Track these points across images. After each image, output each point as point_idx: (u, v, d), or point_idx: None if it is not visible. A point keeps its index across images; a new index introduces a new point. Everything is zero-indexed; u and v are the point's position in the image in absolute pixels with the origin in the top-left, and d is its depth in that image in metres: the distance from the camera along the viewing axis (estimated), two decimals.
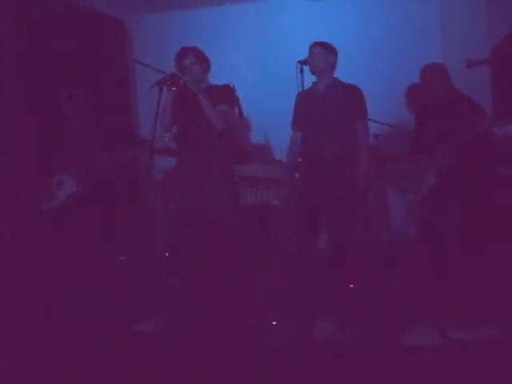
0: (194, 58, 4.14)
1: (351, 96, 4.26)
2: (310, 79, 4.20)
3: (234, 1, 6.19)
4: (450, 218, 4.23)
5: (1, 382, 3.06)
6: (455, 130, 4.19)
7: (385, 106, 5.36)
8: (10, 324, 3.65)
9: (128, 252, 4.90)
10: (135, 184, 5.48)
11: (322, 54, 4.24)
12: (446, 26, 5.82)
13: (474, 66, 4.90)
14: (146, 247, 4.64)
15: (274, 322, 3.72)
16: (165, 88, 3.92)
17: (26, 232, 4.41)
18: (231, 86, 4.24)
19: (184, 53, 4.14)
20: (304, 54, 4.14)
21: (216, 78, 4.29)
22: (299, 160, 4.40)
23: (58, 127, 4.75)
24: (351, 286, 4.12)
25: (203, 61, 4.21)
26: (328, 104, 4.19)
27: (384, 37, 5.84)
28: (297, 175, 4.47)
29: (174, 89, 3.98)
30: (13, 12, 4.76)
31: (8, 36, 4.72)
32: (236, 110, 4.32)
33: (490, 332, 3.36)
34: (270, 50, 5.86)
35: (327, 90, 4.27)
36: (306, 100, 4.22)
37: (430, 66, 4.49)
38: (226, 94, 4.21)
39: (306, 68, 4.07)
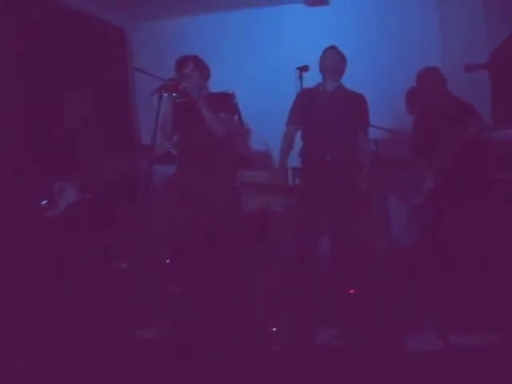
0: (194, 66, 4.15)
1: (356, 105, 4.26)
2: (308, 85, 4.21)
3: (233, 8, 6.21)
4: (450, 221, 4.24)
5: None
6: (450, 133, 4.21)
7: (384, 111, 5.36)
8: (11, 330, 3.67)
9: (129, 258, 4.90)
10: (136, 190, 5.49)
11: (342, 58, 4.30)
12: (445, 31, 5.85)
13: (473, 70, 4.89)
14: (146, 254, 4.65)
15: (274, 329, 3.73)
16: (165, 95, 3.94)
17: (29, 238, 4.43)
18: (231, 93, 4.25)
19: (184, 61, 4.16)
20: (303, 60, 4.14)
21: (216, 85, 4.31)
22: (299, 164, 4.41)
23: (59, 134, 4.75)
24: (352, 291, 4.13)
25: (203, 69, 4.22)
26: (332, 108, 4.18)
27: (383, 42, 5.87)
28: (297, 181, 4.48)
29: (174, 95, 3.99)
30: (13, 20, 4.80)
31: (9, 45, 4.76)
32: (236, 118, 4.34)
33: (491, 337, 3.37)
34: (270, 57, 5.88)
35: (333, 94, 4.27)
36: (307, 99, 4.22)
37: (426, 70, 4.52)
38: (225, 102, 4.22)
39: (305, 74, 4.08)
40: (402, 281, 4.40)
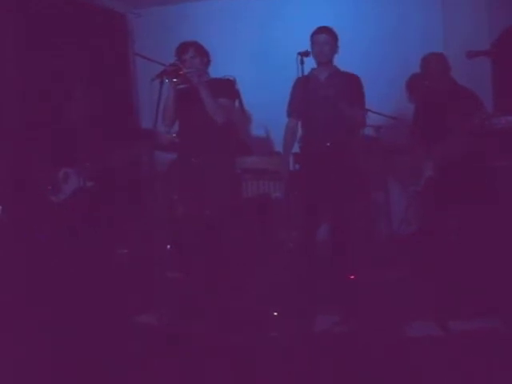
0: (195, 52, 4.15)
1: (350, 84, 4.25)
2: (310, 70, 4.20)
3: None
4: (450, 209, 4.25)
5: (3, 371, 3.10)
6: (454, 121, 4.20)
7: (386, 98, 5.37)
8: (12, 315, 3.69)
9: (130, 245, 4.92)
10: (137, 177, 5.50)
11: (329, 42, 4.25)
12: (447, 17, 5.82)
13: (475, 56, 4.87)
14: (148, 240, 4.67)
15: (275, 313, 3.74)
16: (166, 82, 3.93)
17: (33, 224, 4.46)
18: (232, 79, 4.24)
19: (184, 47, 4.15)
20: (304, 46, 4.12)
21: (217, 71, 4.30)
22: (298, 149, 4.41)
23: (62, 120, 4.77)
24: (352, 277, 4.14)
25: (203, 55, 4.22)
26: (329, 94, 4.18)
27: (385, 28, 5.84)
28: (297, 166, 4.48)
29: (175, 80, 3.98)
30: (14, 7, 4.79)
31: (9, 31, 4.75)
32: (237, 103, 4.33)
33: (490, 324, 3.38)
34: (270, 43, 5.86)
35: (329, 80, 4.27)
36: (305, 87, 4.18)
37: (431, 55, 4.49)
38: (226, 88, 4.21)
39: (307, 59, 4.05)
40: (402, 267, 4.41)
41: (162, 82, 3.89)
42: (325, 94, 4.15)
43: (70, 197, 4.61)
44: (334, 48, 4.28)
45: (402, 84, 5.38)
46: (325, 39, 4.23)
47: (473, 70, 4.93)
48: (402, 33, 5.78)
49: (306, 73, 4.04)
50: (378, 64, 5.67)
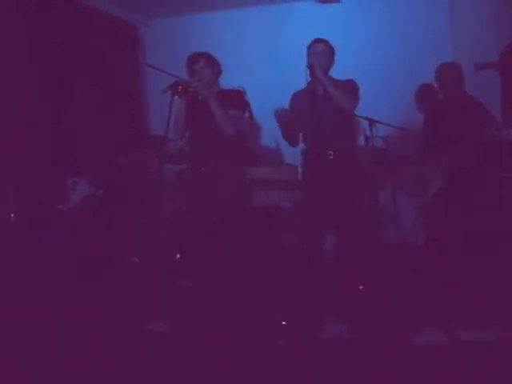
0: (205, 63, 4.18)
1: (346, 88, 4.13)
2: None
3: (246, 5, 6.24)
4: (459, 220, 4.26)
5: (7, 374, 3.13)
6: (464, 132, 4.22)
7: (394, 109, 5.39)
8: (20, 323, 3.72)
9: (140, 253, 4.95)
10: (147, 186, 5.54)
11: (326, 53, 4.15)
12: (454, 29, 5.84)
13: (483, 68, 4.91)
14: (158, 249, 4.70)
15: (284, 322, 3.76)
16: (176, 96, 3.97)
17: (40, 232, 4.49)
18: (242, 90, 4.27)
19: (195, 58, 4.19)
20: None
21: (227, 82, 4.35)
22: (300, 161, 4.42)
23: (71, 129, 4.81)
24: (361, 287, 4.15)
25: (214, 65, 4.25)
26: (329, 106, 4.06)
27: (393, 39, 5.86)
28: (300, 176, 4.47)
29: (185, 96, 4.03)
30: (26, 18, 4.85)
31: (22, 44, 4.81)
32: (247, 114, 4.36)
33: (496, 333, 3.39)
34: (281, 54, 5.90)
35: (326, 94, 4.10)
36: (304, 102, 4.17)
37: (446, 66, 4.50)
38: (236, 99, 4.24)
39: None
40: (411, 276, 4.42)
41: (173, 94, 3.93)
42: (324, 107, 4.03)
43: (78, 205, 4.64)
44: (330, 60, 4.17)
45: (410, 95, 5.40)
46: (322, 50, 4.12)
47: (481, 80, 4.96)
48: (409, 43, 5.79)
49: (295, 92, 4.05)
50: (386, 74, 5.68)
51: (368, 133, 4.52)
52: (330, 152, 4.07)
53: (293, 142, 4.33)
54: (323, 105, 4.04)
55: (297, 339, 3.57)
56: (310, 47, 4.18)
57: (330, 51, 4.18)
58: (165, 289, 4.17)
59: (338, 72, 4.20)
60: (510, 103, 5.05)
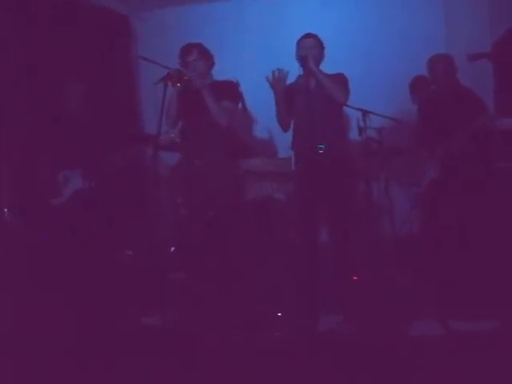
0: (198, 55, 4.17)
1: (336, 81, 4.14)
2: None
3: None
4: (453, 210, 4.26)
5: (9, 372, 3.12)
6: (458, 124, 4.22)
7: (388, 100, 5.38)
8: (16, 319, 3.71)
9: (135, 247, 4.94)
10: (141, 179, 5.52)
11: (317, 47, 4.17)
12: (449, 19, 5.83)
13: (476, 59, 4.91)
14: (152, 242, 4.69)
15: (280, 314, 3.77)
16: (170, 84, 3.96)
17: (34, 226, 4.47)
18: (235, 81, 4.25)
19: (188, 49, 4.17)
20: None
21: (220, 73, 4.33)
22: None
23: (63, 123, 4.78)
24: (355, 278, 4.15)
25: (207, 57, 4.24)
26: (319, 100, 4.07)
27: (387, 31, 5.85)
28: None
29: (178, 85, 4.01)
30: (16, 9, 4.81)
31: (11, 32, 4.77)
32: (240, 106, 4.35)
33: (491, 324, 3.40)
34: (274, 45, 5.86)
35: (318, 88, 4.14)
36: (294, 95, 4.18)
37: (438, 57, 4.50)
38: (230, 90, 4.23)
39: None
40: (405, 268, 4.42)
41: (165, 85, 3.91)
42: (315, 100, 4.03)
43: (69, 199, 4.61)
44: (321, 54, 4.19)
45: (405, 86, 5.39)
46: (312, 43, 4.15)
47: (474, 71, 4.96)
48: (404, 35, 5.77)
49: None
50: (380, 66, 5.67)
51: (362, 124, 4.52)
52: (322, 145, 4.05)
53: (285, 124, 4.31)
54: (315, 98, 4.05)
55: (293, 331, 3.57)
56: (299, 41, 4.21)
57: (320, 45, 4.21)
58: (160, 283, 4.15)
59: (332, 64, 4.19)
60: (503, 94, 5.06)
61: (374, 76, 5.55)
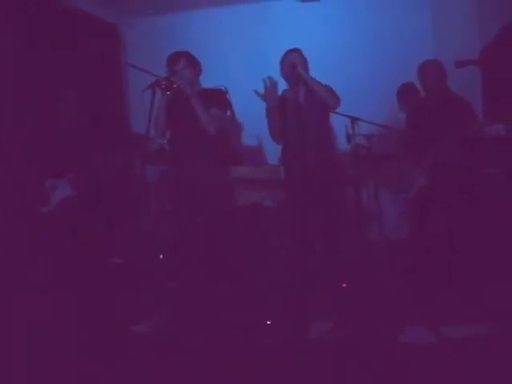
0: (186, 63, 4.16)
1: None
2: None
3: (226, 4, 6.23)
4: (442, 216, 4.27)
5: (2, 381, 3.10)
6: (447, 131, 4.23)
7: (377, 107, 5.40)
8: (8, 325, 3.68)
9: (124, 254, 4.92)
10: (129, 186, 5.50)
11: (303, 61, 4.22)
12: (437, 26, 5.87)
13: (463, 66, 4.92)
14: (142, 249, 4.67)
15: (269, 322, 3.75)
16: (159, 92, 3.95)
17: (23, 235, 4.44)
18: (223, 89, 4.26)
19: (175, 58, 4.17)
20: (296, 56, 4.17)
21: (208, 81, 4.32)
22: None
23: (53, 129, 4.76)
24: (344, 285, 4.15)
25: (195, 65, 4.23)
26: (308, 112, 4.13)
27: (375, 38, 5.88)
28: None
29: (168, 93, 4.01)
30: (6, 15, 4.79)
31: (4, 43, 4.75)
32: (228, 113, 4.35)
33: (482, 330, 3.40)
34: (262, 52, 5.88)
35: (306, 98, 4.21)
36: (283, 111, 4.21)
37: (428, 63, 4.51)
38: (218, 98, 4.22)
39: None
40: (395, 274, 4.43)
41: (153, 93, 3.91)
42: (304, 113, 4.09)
43: (57, 207, 4.59)
44: (305, 67, 4.23)
45: (393, 93, 5.41)
46: (296, 57, 4.21)
47: (462, 77, 4.98)
48: (392, 42, 5.81)
49: None
50: (368, 73, 5.70)
51: (350, 131, 4.53)
52: (313, 155, 4.09)
53: (279, 135, 4.32)
54: (304, 109, 4.11)
55: (283, 338, 3.56)
56: (283, 57, 4.27)
57: (304, 60, 4.27)
58: (149, 290, 4.13)
59: (320, 71, 4.21)
60: (491, 100, 5.08)
61: (363, 83, 5.56)
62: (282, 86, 4.28)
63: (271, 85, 4.13)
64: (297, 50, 4.25)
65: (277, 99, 4.19)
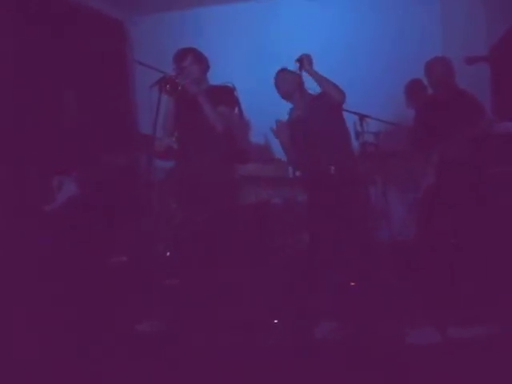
0: (193, 59, 4.14)
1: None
2: (308, 78, 4.20)
3: (233, 1, 6.23)
4: (450, 215, 4.24)
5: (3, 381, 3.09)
6: (455, 128, 4.20)
7: (385, 104, 5.38)
8: (10, 326, 3.68)
9: (129, 252, 4.91)
10: (136, 184, 5.50)
11: (290, 82, 4.23)
12: (446, 23, 5.83)
13: (473, 62, 4.89)
14: (146, 247, 4.66)
15: (276, 321, 3.74)
16: (165, 93, 3.94)
17: (27, 233, 4.44)
18: (231, 86, 4.23)
19: (182, 54, 4.14)
20: (303, 52, 4.15)
21: (216, 78, 4.30)
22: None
23: (58, 128, 4.75)
24: (352, 284, 4.13)
25: (202, 62, 4.21)
26: (317, 128, 4.13)
27: (383, 34, 5.85)
28: (297, 173, 4.46)
29: (172, 95, 4.00)
30: (12, 12, 4.78)
31: (6, 37, 4.74)
32: (236, 111, 4.33)
33: (489, 331, 3.38)
34: (270, 49, 5.87)
35: (311, 115, 4.19)
36: (291, 132, 4.23)
37: (436, 60, 4.48)
38: (225, 95, 4.20)
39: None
40: (402, 273, 4.40)
41: (160, 89, 3.89)
42: (314, 130, 4.13)
43: (64, 205, 4.58)
44: (299, 82, 4.26)
45: (401, 90, 5.38)
46: (286, 74, 4.24)
47: (471, 74, 4.95)
48: (400, 38, 5.79)
49: (304, 78, 4.10)
50: (376, 70, 5.67)
51: (359, 128, 4.51)
52: (332, 168, 4.11)
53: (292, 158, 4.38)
54: (313, 133, 4.13)
55: (289, 338, 3.54)
56: (276, 77, 4.30)
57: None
58: (154, 288, 4.12)
59: (328, 68, 4.18)
60: (501, 97, 5.04)
61: (371, 80, 5.53)
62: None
63: (280, 127, 4.21)
64: (285, 69, 4.27)
65: (289, 138, 4.24)
